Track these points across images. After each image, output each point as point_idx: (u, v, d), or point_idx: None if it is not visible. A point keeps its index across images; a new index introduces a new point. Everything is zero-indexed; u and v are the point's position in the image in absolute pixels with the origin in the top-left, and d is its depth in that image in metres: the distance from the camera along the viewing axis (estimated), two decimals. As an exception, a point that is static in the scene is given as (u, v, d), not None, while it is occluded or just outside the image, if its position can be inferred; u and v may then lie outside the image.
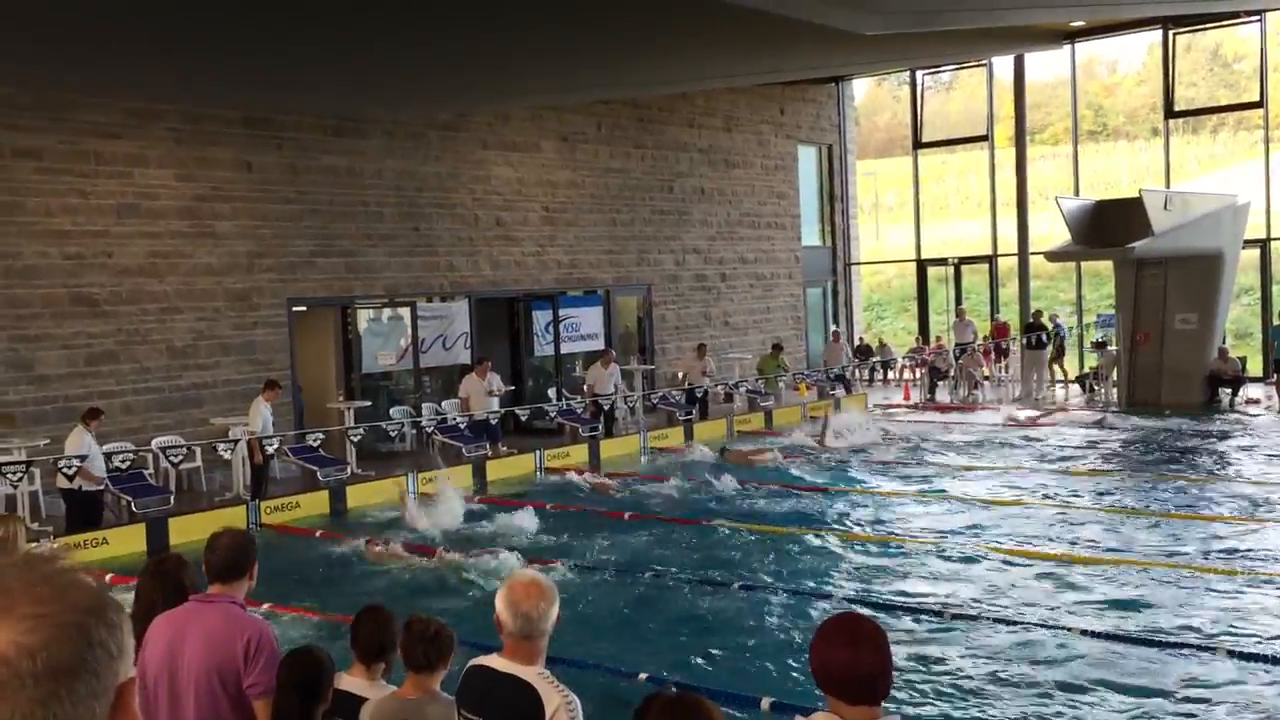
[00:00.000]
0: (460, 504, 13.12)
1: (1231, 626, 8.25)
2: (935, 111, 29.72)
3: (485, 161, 19.42)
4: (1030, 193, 24.48)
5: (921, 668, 7.55)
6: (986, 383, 23.68)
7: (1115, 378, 21.57)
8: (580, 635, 7.89)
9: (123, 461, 13.07)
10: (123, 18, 10.89)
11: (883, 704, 2.69)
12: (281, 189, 16.61)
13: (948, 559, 10.53)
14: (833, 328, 26.44)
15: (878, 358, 25.92)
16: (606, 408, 18.30)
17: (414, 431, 17.55)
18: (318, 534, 12.64)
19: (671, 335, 22.86)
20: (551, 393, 19.83)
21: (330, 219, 17.16)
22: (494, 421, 16.81)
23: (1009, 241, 25.15)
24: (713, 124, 23.82)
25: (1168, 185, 23.29)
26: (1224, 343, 21.16)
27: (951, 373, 23.51)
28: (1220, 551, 10.46)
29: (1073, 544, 10.93)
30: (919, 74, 27.13)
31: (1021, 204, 24.04)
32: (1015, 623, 8.41)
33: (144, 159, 15.20)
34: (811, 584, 9.94)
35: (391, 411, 17.59)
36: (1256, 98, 23.69)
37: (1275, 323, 21.35)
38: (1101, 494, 13.40)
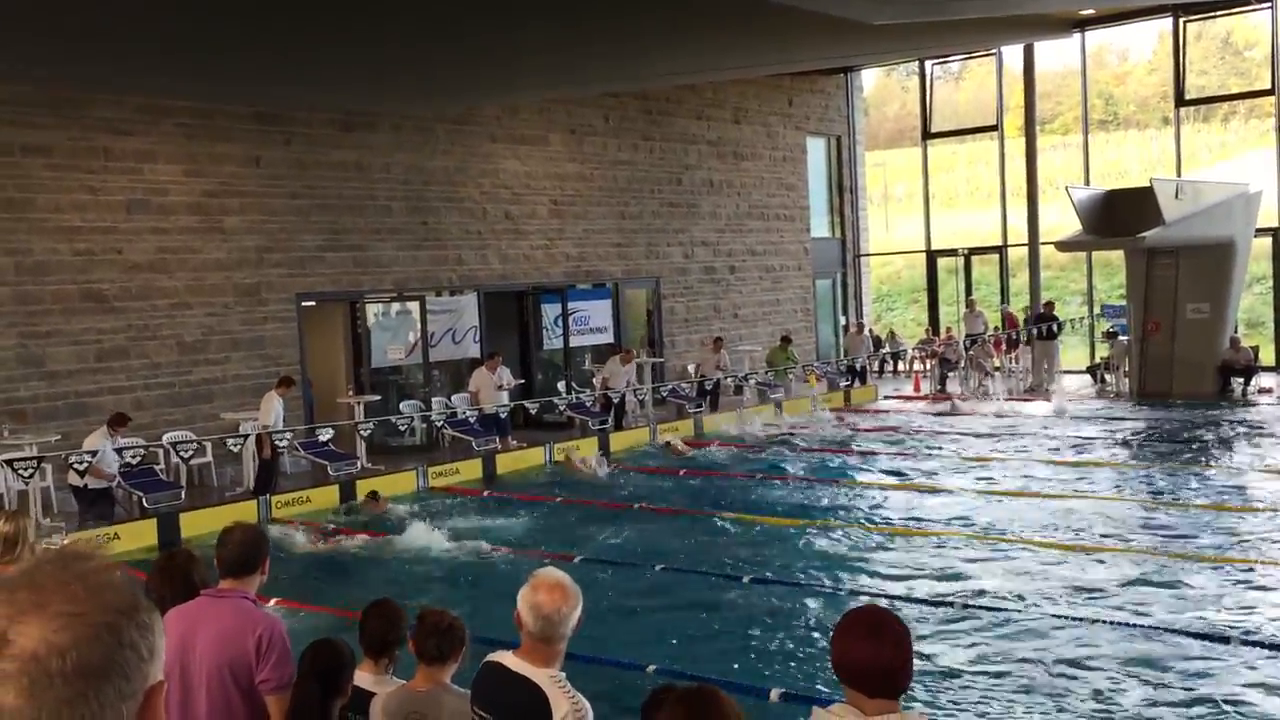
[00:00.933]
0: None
1: (1243, 614, 8.21)
2: (944, 101, 29.57)
3: (493, 155, 19.40)
4: (1040, 182, 24.36)
5: (933, 659, 7.52)
6: (997, 373, 23.61)
7: (1126, 368, 21.48)
8: (587, 626, 7.87)
9: (133, 457, 13.09)
10: (134, 14, 10.89)
11: (901, 698, 2.67)
12: (290, 184, 16.62)
13: (951, 549, 10.50)
14: (855, 319, 26.48)
15: (888, 349, 25.90)
16: (616, 401, 18.29)
17: (424, 426, 17.56)
18: (330, 527, 12.66)
19: (681, 328, 22.82)
20: (561, 386, 19.82)
21: (339, 213, 17.16)
22: (504, 416, 16.80)
23: (1019, 232, 25.05)
24: (721, 116, 23.76)
25: (1179, 174, 23.17)
26: (1236, 332, 21.05)
27: (962, 364, 23.45)
28: (1237, 540, 10.41)
29: (1078, 533, 10.88)
30: (928, 64, 27.02)
31: (1032, 194, 23.93)
32: (1021, 613, 8.38)
33: (153, 155, 15.21)
34: (819, 576, 9.91)
35: (401, 406, 17.60)
36: (1268, 85, 23.54)
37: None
38: (1094, 483, 13.35)
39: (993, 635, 8.01)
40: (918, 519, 11.97)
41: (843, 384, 22.30)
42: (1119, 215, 19.61)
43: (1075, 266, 29.83)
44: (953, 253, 27.23)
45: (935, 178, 28.74)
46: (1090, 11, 22.08)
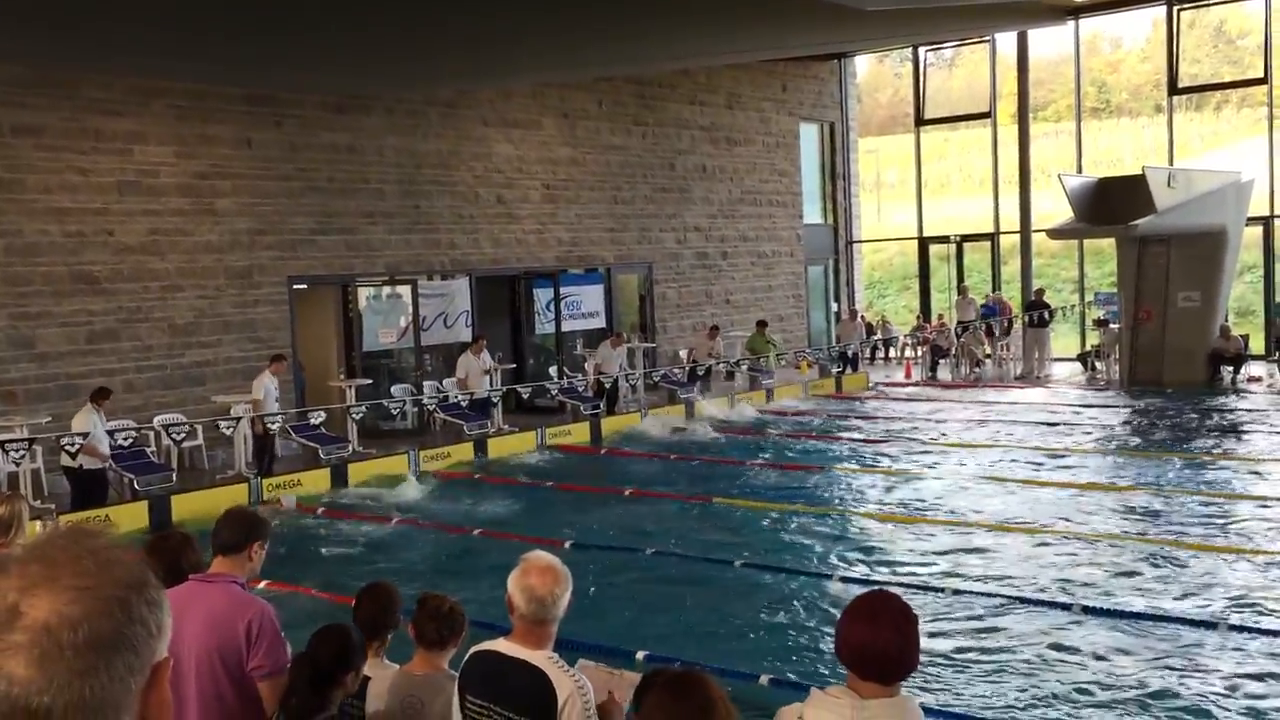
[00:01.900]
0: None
1: (1231, 600, 8.27)
2: (937, 88, 29.60)
3: (486, 139, 19.35)
4: (1033, 170, 24.37)
5: (924, 645, 7.55)
6: (988, 360, 23.68)
7: (1117, 355, 21.55)
8: (577, 611, 7.89)
9: (125, 439, 13.07)
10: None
11: (900, 685, 2.68)
12: (282, 166, 16.56)
13: (941, 535, 10.54)
14: (848, 306, 26.54)
15: (879, 336, 25.95)
16: (609, 386, 18.31)
17: (415, 409, 17.56)
18: (319, 511, 12.67)
19: (673, 313, 22.82)
20: (553, 371, 19.83)
21: (331, 196, 17.10)
22: (495, 400, 16.81)
23: (1011, 219, 25.07)
24: (715, 101, 23.72)
25: (1171, 162, 23.21)
26: (1226, 320, 21.12)
27: (953, 351, 23.50)
28: (1225, 526, 10.47)
29: (1068, 520, 10.93)
30: (921, 50, 26.99)
31: (1024, 181, 23.94)
32: (1009, 599, 8.43)
33: (144, 136, 15.14)
34: (811, 561, 9.95)
35: (393, 389, 17.59)
36: (1261, 74, 23.57)
37: (1278, 300, 21.28)
38: (1083, 470, 13.41)
39: (982, 621, 8.04)
40: (906, 504, 12.00)
41: (834, 370, 22.34)
42: (1111, 203, 19.63)
43: (1067, 254, 29.85)
44: (945, 240, 27.25)
45: (928, 164, 28.73)
46: (1084, -1, 22.07)
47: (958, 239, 27.13)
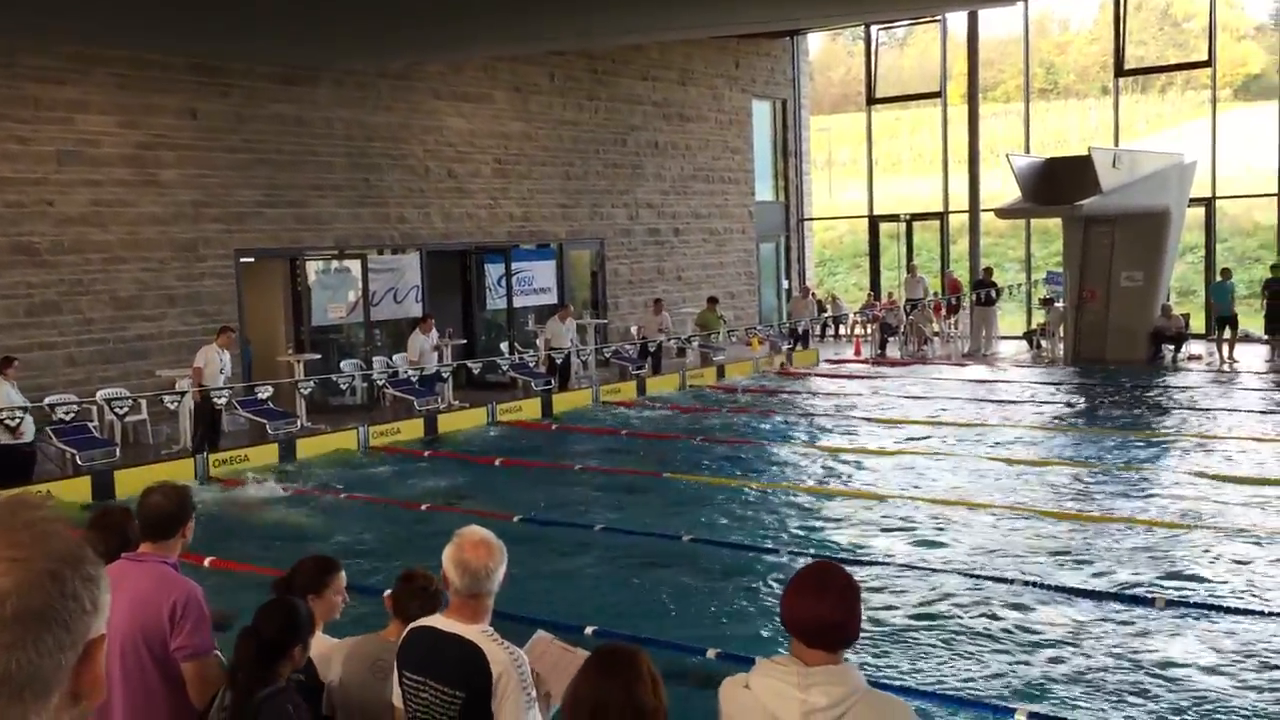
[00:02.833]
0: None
1: (1169, 577, 8.45)
2: (889, 67, 29.72)
3: (437, 112, 19.17)
4: (982, 150, 24.61)
5: (870, 617, 7.65)
6: (936, 339, 23.93)
7: (1061, 334, 21.87)
8: (525, 586, 7.91)
9: (66, 413, 12.86)
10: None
11: (843, 653, 2.73)
12: (228, 138, 16.31)
13: (889, 510, 10.66)
14: (800, 283, 26.68)
15: (829, 313, 26.13)
16: (560, 362, 18.29)
17: (365, 385, 17.43)
18: (266, 484, 12.54)
19: (624, 290, 22.82)
20: (504, 346, 19.75)
21: (278, 169, 16.88)
22: (445, 375, 16.74)
23: (960, 198, 25.30)
24: (667, 77, 23.66)
25: (1116, 144, 23.51)
26: (1168, 300, 21.49)
27: (902, 328, 23.73)
28: (1163, 504, 10.68)
29: (1010, 495, 11.10)
30: (874, 29, 27.09)
31: (973, 161, 24.17)
32: (952, 572, 8.55)
33: (85, 104, 14.84)
34: (760, 536, 10.02)
35: (342, 365, 17.45)
36: (1205, 57, 23.93)
37: (1218, 280, 21.70)
38: (1028, 447, 13.62)
39: (924, 594, 8.16)
40: (851, 480, 12.12)
41: (785, 347, 22.48)
42: (1058, 183, 19.87)
43: (1014, 233, 30.19)
44: (895, 218, 27.46)
45: (879, 143, 28.90)
46: (1034, -20, 22.22)
47: (907, 218, 27.35)
